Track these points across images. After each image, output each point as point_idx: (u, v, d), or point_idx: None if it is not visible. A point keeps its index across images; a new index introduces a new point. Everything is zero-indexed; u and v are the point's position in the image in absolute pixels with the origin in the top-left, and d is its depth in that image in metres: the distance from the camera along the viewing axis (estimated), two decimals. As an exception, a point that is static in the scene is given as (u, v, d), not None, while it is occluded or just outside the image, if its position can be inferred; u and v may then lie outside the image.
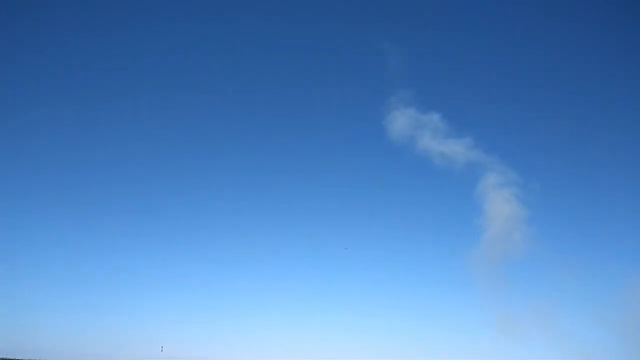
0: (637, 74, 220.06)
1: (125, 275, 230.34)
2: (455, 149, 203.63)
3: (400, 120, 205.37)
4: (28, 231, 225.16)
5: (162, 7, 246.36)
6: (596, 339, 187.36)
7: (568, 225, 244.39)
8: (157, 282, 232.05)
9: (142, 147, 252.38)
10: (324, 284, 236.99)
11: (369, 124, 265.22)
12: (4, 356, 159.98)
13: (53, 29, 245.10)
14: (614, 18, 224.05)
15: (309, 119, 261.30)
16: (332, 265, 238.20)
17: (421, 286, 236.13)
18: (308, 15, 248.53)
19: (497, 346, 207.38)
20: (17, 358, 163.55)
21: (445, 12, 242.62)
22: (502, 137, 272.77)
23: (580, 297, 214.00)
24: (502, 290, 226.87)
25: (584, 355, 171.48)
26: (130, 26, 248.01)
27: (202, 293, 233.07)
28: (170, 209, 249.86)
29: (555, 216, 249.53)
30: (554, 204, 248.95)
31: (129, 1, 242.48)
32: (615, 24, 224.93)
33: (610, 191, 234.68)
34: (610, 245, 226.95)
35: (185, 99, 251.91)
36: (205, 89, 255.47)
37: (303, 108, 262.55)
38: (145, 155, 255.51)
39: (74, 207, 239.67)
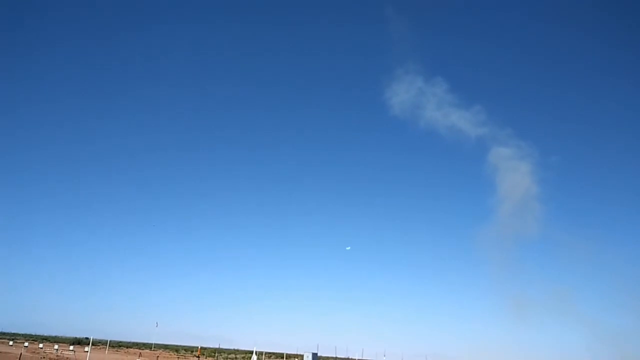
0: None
1: (122, 256, 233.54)
2: (464, 121, 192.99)
3: (405, 92, 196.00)
4: (24, 207, 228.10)
5: (169, 7, 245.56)
6: (618, 322, 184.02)
7: (587, 203, 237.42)
8: (152, 262, 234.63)
9: (143, 136, 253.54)
10: (325, 266, 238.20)
11: (372, 97, 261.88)
12: (3, 330, 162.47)
13: (56, 30, 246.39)
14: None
15: (311, 96, 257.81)
16: (335, 248, 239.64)
17: (428, 269, 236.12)
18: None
19: (510, 331, 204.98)
20: (17, 332, 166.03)
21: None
22: (516, 107, 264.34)
23: (599, 279, 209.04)
24: (516, 273, 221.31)
25: (605, 340, 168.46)
26: (132, 28, 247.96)
27: (196, 272, 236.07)
28: (166, 190, 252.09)
29: (574, 193, 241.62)
30: (573, 180, 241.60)
31: (133, 5, 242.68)
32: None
33: (635, 169, 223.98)
34: (632, 226, 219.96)
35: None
36: (210, 66, 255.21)
37: (303, 85, 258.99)
38: (147, 138, 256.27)
39: (73, 188, 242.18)
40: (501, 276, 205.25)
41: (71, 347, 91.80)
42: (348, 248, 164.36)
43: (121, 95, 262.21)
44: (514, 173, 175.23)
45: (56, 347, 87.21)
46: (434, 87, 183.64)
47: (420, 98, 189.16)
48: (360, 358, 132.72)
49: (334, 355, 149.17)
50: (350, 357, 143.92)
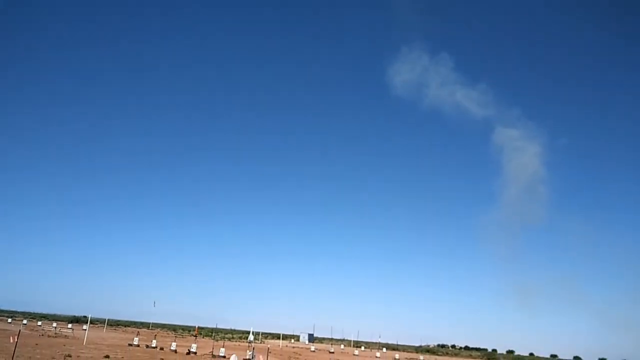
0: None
1: (121, 237, 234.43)
2: (470, 101, 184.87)
3: (409, 70, 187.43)
4: (24, 188, 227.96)
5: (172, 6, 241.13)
6: (628, 310, 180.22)
7: (597, 188, 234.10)
8: (151, 243, 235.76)
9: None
10: (322, 249, 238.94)
11: (374, 74, 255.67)
12: (1, 307, 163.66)
13: (59, 31, 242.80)
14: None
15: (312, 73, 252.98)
16: (332, 231, 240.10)
17: (429, 255, 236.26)
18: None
19: (514, 319, 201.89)
20: (16, 310, 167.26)
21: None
22: (524, 87, 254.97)
23: (607, 267, 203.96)
24: (521, 260, 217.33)
25: (615, 327, 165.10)
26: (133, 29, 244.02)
27: (193, 253, 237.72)
28: (164, 177, 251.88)
29: (583, 177, 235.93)
30: (582, 163, 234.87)
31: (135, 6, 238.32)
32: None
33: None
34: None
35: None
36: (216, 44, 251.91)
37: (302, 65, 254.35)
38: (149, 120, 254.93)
39: (72, 173, 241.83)
40: (505, 262, 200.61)
41: (69, 325, 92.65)
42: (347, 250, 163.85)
43: (121, 95, 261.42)
44: (521, 155, 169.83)
45: (54, 324, 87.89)
46: (439, 64, 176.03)
47: (425, 76, 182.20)
48: (355, 339, 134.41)
49: (330, 336, 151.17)
50: (345, 338, 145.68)
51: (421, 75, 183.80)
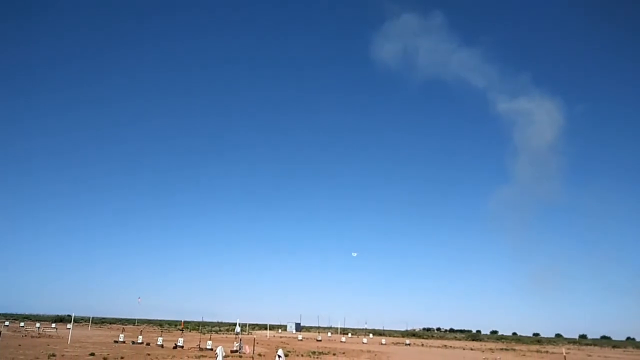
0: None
1: (103, 232, 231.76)
2: (470, 67, 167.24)
3: (399, 36, 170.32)
4: (3, 188, 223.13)
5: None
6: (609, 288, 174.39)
7: (617, 159, 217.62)
8: (133, 238, 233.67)
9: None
10: (323, 235, 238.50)
11: (356, 40, 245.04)
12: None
13: (60, 29, 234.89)
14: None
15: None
16: (318, 219, 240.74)
17: (413, 241, 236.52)
18: None
19: (533, 303, 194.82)
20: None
21: None
22: (530, 49, 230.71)
23: (631, 247, 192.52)
24: (537, 241, 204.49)
25: (592, 304, 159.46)
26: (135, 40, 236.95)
27: (178, 247, 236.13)
28: (148, 169, 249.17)
29: (603, 147, 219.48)
30: (602, 132, 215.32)
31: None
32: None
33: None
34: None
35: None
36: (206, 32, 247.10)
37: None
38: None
39: (54, 170, 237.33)
40: (520, 245, 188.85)
41: (53, 325, 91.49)
42: (354, 254, 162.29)
43: (121, 95, 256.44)
44: (533, 127, 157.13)
45: (38, 325, 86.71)
46: (431, 29, 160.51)
47: (417, 42, 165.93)
48: (342, 326, 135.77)
49: (317, 325, 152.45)
50: (332, 326, 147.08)
51: (412, 41, 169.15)
